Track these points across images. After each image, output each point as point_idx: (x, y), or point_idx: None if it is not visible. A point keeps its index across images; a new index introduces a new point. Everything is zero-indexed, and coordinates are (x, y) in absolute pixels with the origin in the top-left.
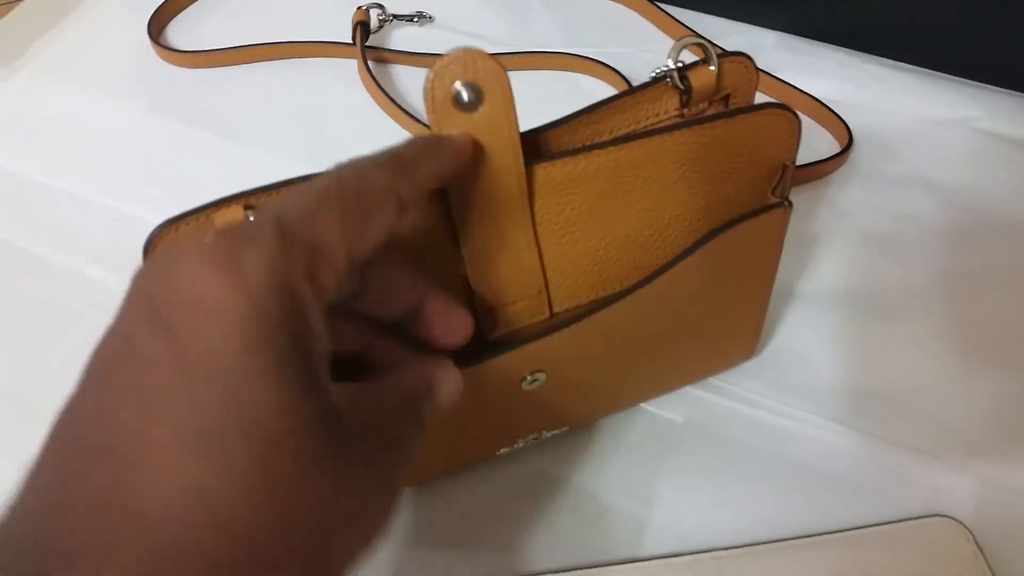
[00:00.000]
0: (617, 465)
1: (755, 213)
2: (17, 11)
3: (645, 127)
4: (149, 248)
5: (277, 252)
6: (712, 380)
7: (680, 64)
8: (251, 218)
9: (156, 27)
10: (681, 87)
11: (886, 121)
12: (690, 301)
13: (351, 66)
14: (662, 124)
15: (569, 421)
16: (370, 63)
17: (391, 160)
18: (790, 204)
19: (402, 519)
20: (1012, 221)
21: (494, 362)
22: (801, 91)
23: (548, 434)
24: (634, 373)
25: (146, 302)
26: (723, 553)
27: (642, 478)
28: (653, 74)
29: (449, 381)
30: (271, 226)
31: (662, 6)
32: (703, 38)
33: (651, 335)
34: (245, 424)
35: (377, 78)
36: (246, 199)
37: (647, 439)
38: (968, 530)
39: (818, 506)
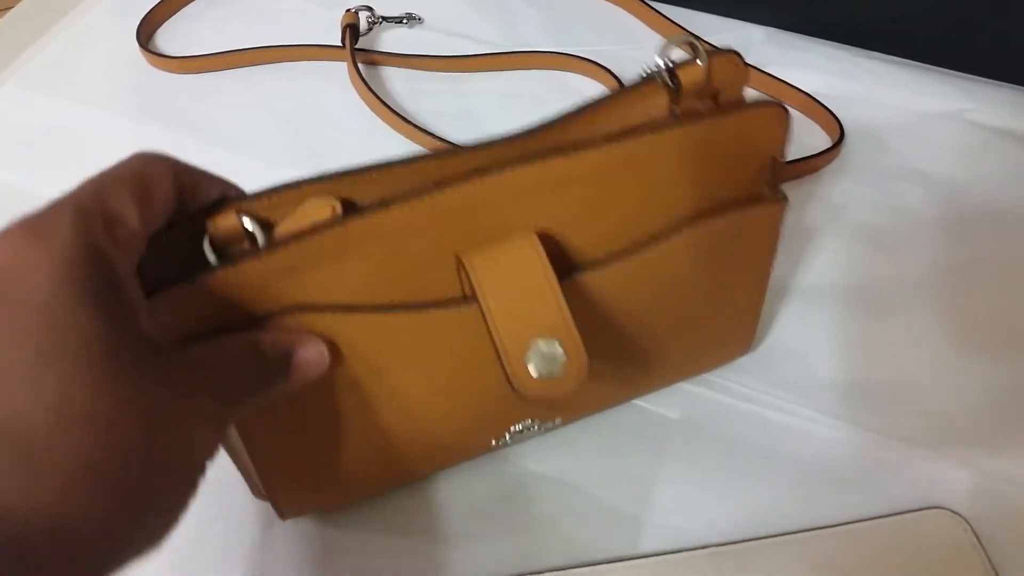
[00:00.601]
0: (614, 463)
1: (748, 204)
2: (3, 21)
3: (635, 125)
4: (144, 272)
5: (76, 221)
6: (707, 376)
7: (669, 62)
8: (244, 221)
9: (145, 34)
10: (671, 85)
11: (877, 115)
12: (684, 291)
13: (341, 69)
14: (653, 123)
15: (561, 410)
16: (360, 66)
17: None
18: (785, 198)
19: (397, 520)
20: (1005, 213)
21: (466, 312)
22: (791, 86)
23: (540, 427)
24: (628, 364)
25: None
26: (721, 549)
27: (639, 475)
28: (643, 73)
29: (309, 350)
30: (69, 206)
31: (651, 3)
32: (693, 35)
33: (644, 324)
34: (72, 344)
35: (367, 80)
36: (237, 205)
37: (643, 436)
38: (966, 521)
39: (815, 501)
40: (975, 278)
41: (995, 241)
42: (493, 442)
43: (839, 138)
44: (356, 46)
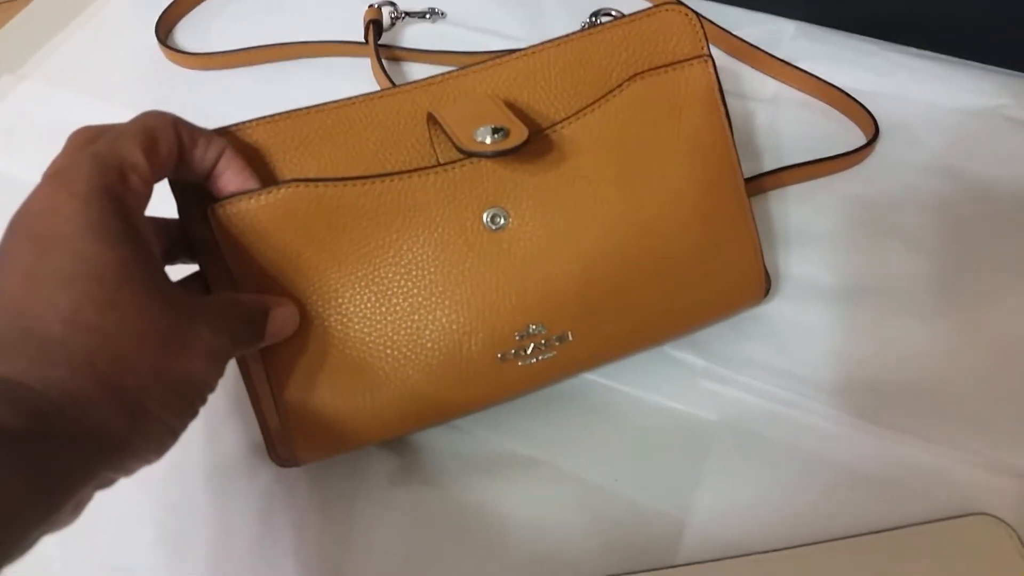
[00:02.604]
0: (652, 467)
1: (674, 64)
2: (21, 17)
3: (571, 32)
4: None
5: (93, 170)
6: (745, 378)
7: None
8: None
9: (164, 29)
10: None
11: (911, 111)
12: (642, 160)
13: (364, 65)
14: (583, 29)
15: (566, 316)
16: (384, 62)
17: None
18: (708, 58)
19: (428, 529)
20: None
21: (443, 176)
22: (824, 81)
23: (550, 341)
24: (621, 267)
25: (17, 223)
26: (764, 556)
27: (678, 479)
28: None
29: (283, 308)
30: (88, 156)
31: None
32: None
33: (616, 210)
34: (87, 269)
35: (391, 76)
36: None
37: (681, 439)
38: (1011, 528)
39: (857, 506)
40: (1014, 277)
41: None
42: (499, 356)
43: (874, 135)
44: (379, 42)
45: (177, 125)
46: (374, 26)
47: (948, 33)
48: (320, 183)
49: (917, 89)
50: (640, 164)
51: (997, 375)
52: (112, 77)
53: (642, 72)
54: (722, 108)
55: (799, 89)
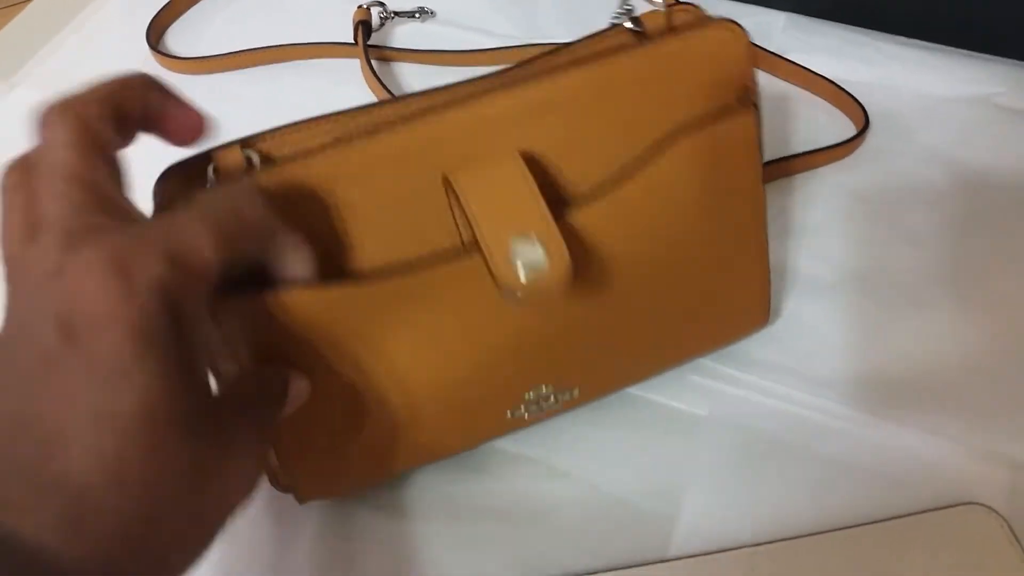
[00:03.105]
0: (642, 463)
1: (720, 117)
2: (12, 25)
3: (602, 50)
4: (156, 196)
5: (164, 270)
6: (735, 372)
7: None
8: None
9: (155, 34)
10: (636, 28)
11: (903, 101)
12: (679, 223)
13: (354, 66)
14: (618, 47)
15: (575, 374)
16: (373, 62)
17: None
18: (756, 106)
19: (421, 528)
20: None
21: (468, 264)
22: (814, 73)
23: (557, 398)
24: (636, 321)
25: (54, 312)
26: (756, 549)
27: (668, 475)
28: (610, 22)
29: (300, 382)
30: (161, 247)
31: None
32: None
33: (646, 267)
34: (135, 407)
35: (381, 77)
36: (242, 140)
37: (671, 435)
38: (1002, 518)
39: (848, 498)
40: (1007, 267)
41: None
42: (509, 413)
43: (864, 126)
44: (368, 42)
45: (274, 235)
46: (363, 27)
47: (939, 22)
48: (334, 287)
49: (909, 79)
50: (670, 230)
51: (987, 365)
52: None
53: (686, 130)
54: (760, 155)
55: (790, 82)
